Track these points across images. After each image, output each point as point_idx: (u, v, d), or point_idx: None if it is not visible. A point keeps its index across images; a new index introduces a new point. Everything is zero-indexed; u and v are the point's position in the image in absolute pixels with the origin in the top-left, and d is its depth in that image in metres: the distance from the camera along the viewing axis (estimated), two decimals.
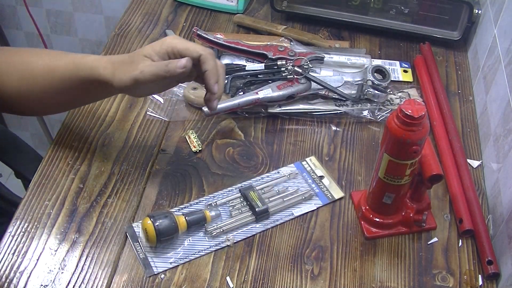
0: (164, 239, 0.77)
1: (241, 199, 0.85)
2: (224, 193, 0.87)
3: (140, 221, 0.80)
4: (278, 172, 0.91)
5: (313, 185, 0.89)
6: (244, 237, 0.82)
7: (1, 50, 0.88)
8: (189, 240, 0.80)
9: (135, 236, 0.80)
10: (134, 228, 0.81)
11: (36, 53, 0.86)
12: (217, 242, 0.81)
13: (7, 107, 0.88)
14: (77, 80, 0.80)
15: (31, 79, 0.83)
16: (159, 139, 0.95)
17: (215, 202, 0.85)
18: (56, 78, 0.81)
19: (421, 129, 0.71)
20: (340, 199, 0.88)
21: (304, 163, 0.93)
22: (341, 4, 1.18)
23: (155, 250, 0.78)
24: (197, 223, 0.80)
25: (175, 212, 0.81)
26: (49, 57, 0.84)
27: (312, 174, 0.91)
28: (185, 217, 0.80)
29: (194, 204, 0.85)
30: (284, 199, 0.86)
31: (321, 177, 0.91)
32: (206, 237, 0.81)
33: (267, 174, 0.90)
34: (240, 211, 0.84)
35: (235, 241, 0.81)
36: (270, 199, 0.86)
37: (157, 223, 0.76)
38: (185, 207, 0.84)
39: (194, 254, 0.79)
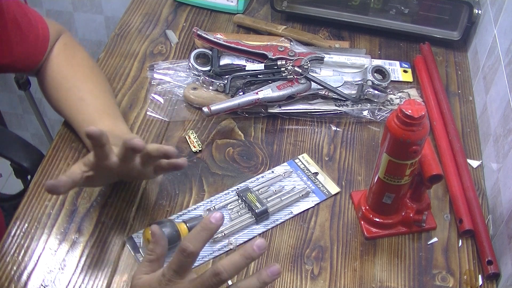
0: (168, 248, 0.76)
1: (239, 202, 0.85)
2: (221, 196, 0.86)
3: (140, 231, 0.80)
4: (273, 171, 0.91)
5: (309, 182, 0.89)
6: (246, 239, 0.82)
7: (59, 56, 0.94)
8: None
9: (136, 247, 0.79)
10: (134, 239, 0.80)
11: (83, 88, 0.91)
12: (220, 247, 0.80)
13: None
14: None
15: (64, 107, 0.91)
16: (159, 139, 0.95)
17: (214, 206, 0.84)
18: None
19: (421, 129, 0.71)
20: (336, 194, 0.88)
21: (297, 160, 0.93)
22: (341, 4, 1.18)
23: None
24: None
25: (175, 219, 0.81)
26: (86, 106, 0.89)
27: (306, 171, 0.91)
28: (186, 224, 0.79)
29: (192, 210, 0.84)
30: (282, 198, 0.86)
31: (316, 173, 0.91)
32: (209, 242, 0.80)
33: (262, 175, 0.90)
34: (239, 213, 0.84)
35: (237, 244, 0.81)
36: (268, 199, 0.85)
37: None
38: (183, 214, 0.84)
39: (198, 261, 0.78)
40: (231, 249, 0.80)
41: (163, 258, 0.67)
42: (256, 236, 0.82)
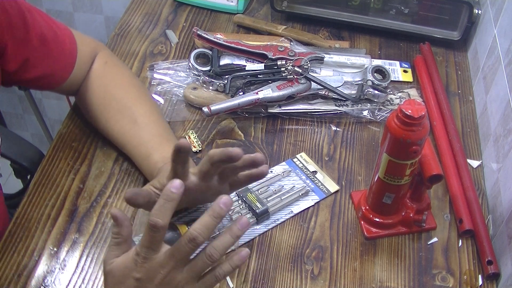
0: None
1: (239, 202, 0.85)
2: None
3: (140, 235, 0.80)
4: (271, 171, 0.91)
5: (308, 181, 0.89)
6: (248, 239, 0.82)
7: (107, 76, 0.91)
8: None
9: None
10: (135, 242, 0.80)
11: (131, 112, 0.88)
12: None
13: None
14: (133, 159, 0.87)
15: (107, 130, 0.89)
16: None
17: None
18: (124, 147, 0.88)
19: (421, 129, 0.71)
20: (336, 192, 0.89)
21: (295, 160, 0.93)
22: (341, 4, 1.18)
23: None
24: None
25: (176, 221, 0.81)
26: (133, 125, 0.86)
27: (305, 170, 0.91)
28: (187, 227, 0.78)
29: (193, 211, 0.84)
30: (282, 198, 0.86)
31: (314, 172, 0.91)
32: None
33: None
34: (240, 214, 0.84)
35: (239, 244, 0.81)
36: (268, 199, 0.85)
37: None
38: (184, 215, 0.83)
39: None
40: (233, 249, 0.80)
41: (130, 238, 0.67)
42: (258, 235, 0.82)
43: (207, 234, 0.61)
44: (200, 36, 1.04)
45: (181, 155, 0.69)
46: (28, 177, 1.15)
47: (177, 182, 0.62)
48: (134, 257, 0.63)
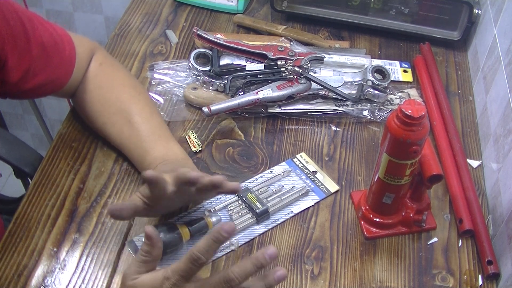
0: (169, 250, 0.76)
1: (239, 202, 0.85)
2: (221, 197, 0.86)
3: (141, 234, 0.80)
4: (271, 171, 0.91)
5: (308, 181, 0.89)
6: (248, 239, 0.82)
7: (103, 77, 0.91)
8: None
9: (137, 250, 0.78)
10: (136, 242, 0.80)
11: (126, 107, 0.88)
12: (222, 248, 0.80)
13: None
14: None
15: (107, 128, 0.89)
16: None
17: (214, 207, 0.84)
18: (123, 147, 0.89)
19: (421, 129, 0.71)
20: (335, 192, 0.89)
21: (295, 160, 0.93)
22: (341, 4, 1.18)
23: (160, 262, 0.77)
24: (200, 231, 0.80)
25: (176, 221, 0.81)
26: (131, 128, 0.87)
27: (305, 170, 0.91)
28: (187, 227, 0.79)
29: (192, 211, 0.84)
30: (282, 198, 0.86)
31: (314, 172, 0.91)
32: None
33: (261, 175, 0.90)
34: (240, 214, 0.84)
35: (239, 245, 0.81)
36: (268, 199, 0.85)
37: (161, 236, 0.75)
38: (184, 215, 0.83)
39: None
40: (233, 250, 0.80)
41: (159, 259, 0.67)
42: (258, 235, 0.82)
43: (243, 279, 0.62)
44: (200, 36, 1.04)
45: (149, 184, 0.70)
46: (28, 178, 1.15)
47: (229, 227, 0.62)
48: (162, 280, 0.63)
